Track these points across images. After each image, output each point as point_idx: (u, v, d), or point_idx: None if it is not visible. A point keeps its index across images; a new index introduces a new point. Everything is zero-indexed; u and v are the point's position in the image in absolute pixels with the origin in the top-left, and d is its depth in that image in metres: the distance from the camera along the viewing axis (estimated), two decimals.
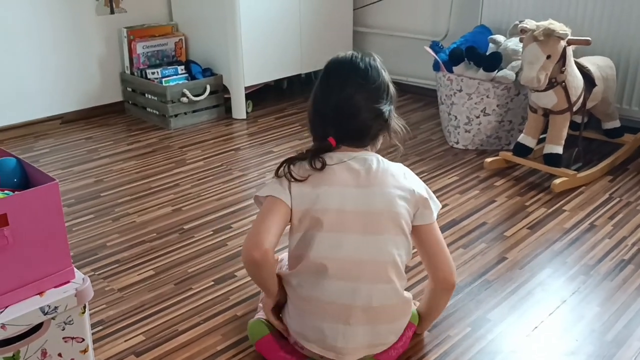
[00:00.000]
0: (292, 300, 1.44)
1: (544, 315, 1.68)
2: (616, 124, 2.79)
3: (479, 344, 1.57)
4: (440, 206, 1.50)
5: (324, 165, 1.39)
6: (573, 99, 2.41)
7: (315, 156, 1.40)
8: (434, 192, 2.41)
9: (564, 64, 2.34)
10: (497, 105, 2.75)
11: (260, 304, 1.60)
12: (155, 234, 2.13)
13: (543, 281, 1.84)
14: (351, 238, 1.37)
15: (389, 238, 1.39)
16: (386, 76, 1.48)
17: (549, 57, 2.29)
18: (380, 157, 1.47)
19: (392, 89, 1.49)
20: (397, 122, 1.49)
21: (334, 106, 1.40)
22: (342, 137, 1.43)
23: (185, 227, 2.17)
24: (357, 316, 1.38)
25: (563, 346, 1.56)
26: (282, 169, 1.42)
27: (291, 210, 1.39)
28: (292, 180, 1.39)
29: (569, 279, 1.85)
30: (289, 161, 1.42)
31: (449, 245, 2.03)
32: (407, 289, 1.62)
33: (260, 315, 1.56)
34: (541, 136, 2.60)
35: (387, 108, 1.45)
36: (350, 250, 1.37)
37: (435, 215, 1.45)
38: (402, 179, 1.44)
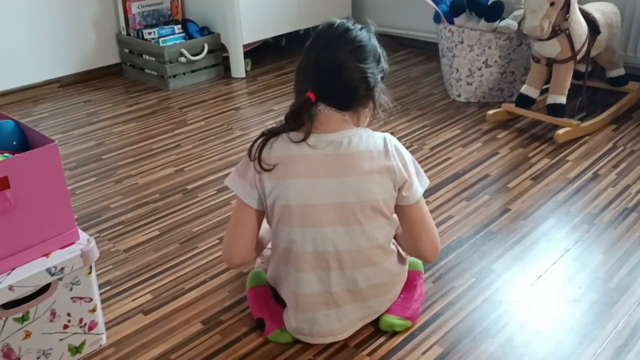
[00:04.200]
0: (284, 294, 1.44)
1: (548, 264, 1.69)
2: (620, 72, 2.74)
3: (484, 294, 1.58)
4: (429, 183, 1.40)
5: (306, 137, 1.29)
6: (577, 47, 2.37)
7: (292, 118, 1.31)
8: (436, 146, 2.41)
9: (567, 11, 2.29)
10: (499, 57, 2.71)
11: (261, 259, 1.62)
12: (158, 195, 2.13)
13: (547, 231, 1.84)
14: (327, 231, 1.31)
15: (369, 225, 1.33)
16: (378, 46, 1.35)
17: (552, 4, 2.24)
18: (362, 134, 1.33)
19: (383, 60, 1.35)
20: (384, 96, 1.36)
21: (315, 61, 1.29)
22: (323, 93, 1.29)
23: (188, 187, 2.17)
24: (345, 298, 1.37)
25: (567, 294, 1.57)
26: (254, 151, 1.32)
27: (262, 204, 1.37)
28: (261, 172, 1.32)
29: (572, 228, 1.85)
30: (266, 138, 1.32)
31: (453, 198, 2.03)
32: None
33: (261, 268, 1.59)
34: (544, 87, 2.56)
35: (372, 72, 1.30)
36: (327, 244, 1.32)
37: (420, 193, 1.36)
38: (382, 159, 1.31)
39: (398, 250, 1.46)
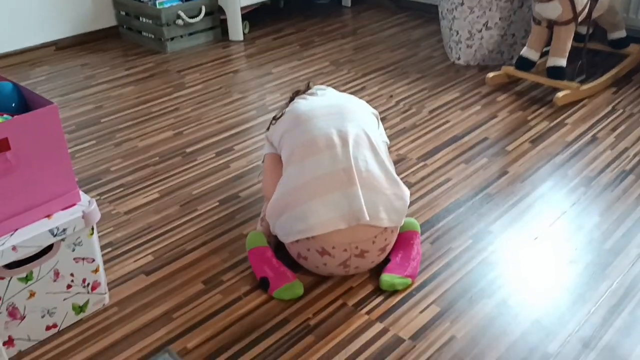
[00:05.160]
0: (294, 200, 1.45)
1: (545, 226, 1.71)
2: (622, 34, 2.72)
3: (481, 255, 1.61)
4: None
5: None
6: (579, 8, 2.35)
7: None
8: (436, 109, 2.41)
9: None
10: (500, 19, 2.68)
11: (261, 222, 1.64)
12: (158, 158, 2.13)
13: (544, 194, 1.86)
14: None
15: (361, 115, 1.58)
16: None
17: None
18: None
19: None
20: None
21: None
22: None
23: (188, 150, 2.18)
24: (355, 179, 1.44)
25: (563, 255, 1.60)
26: None
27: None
28: None
29: (569, 190, 1.87)
30: None
31: (451, 160, 2.04)
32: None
33: (261, 229, 1.61)
34: (545, 49, 2.54)
35: None
36: (323, 127, 1.53)
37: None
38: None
39: None
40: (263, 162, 1.72)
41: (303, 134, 1.52)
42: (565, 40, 2.41)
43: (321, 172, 1.45)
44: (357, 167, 1.46)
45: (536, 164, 2.01)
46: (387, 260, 1.53)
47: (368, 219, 1.42)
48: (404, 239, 1.56)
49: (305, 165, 1.47)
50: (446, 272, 1.55)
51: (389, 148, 1.82)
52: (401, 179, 1.92)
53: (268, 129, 1.71)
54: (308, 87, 1.79)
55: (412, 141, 2.18)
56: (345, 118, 1.55)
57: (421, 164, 2.04)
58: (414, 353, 1.32)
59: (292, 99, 1.76)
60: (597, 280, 1.50)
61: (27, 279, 1.30)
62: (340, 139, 1.49)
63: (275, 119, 1.68)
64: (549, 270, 1.55)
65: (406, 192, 1.51)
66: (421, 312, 1.43)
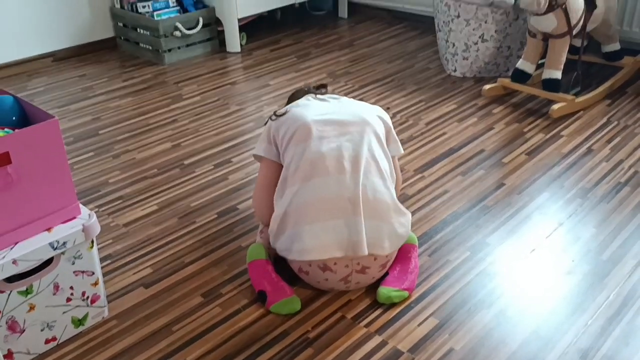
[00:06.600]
0: (295, 219, 1.44)
1: (542, 237, 1.72)
2: (616, 46, 2.75)
3: (478, 266, 1.62)
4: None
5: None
6: (573, 21, 2.38)
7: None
8: (432, 121, 2.42)
9: None
10: (496, 31, 2.71)
11: (260, 234, 1.64)
12: (156, 170, 2.14)
13: (541, 205, 1.87)
14: (332, 140, 1.50)
15: (365, 135, 1.52)
16: None
17: None
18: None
19: None
20: None
21: None
22: None
23: (186, 162, 2.18)
24: (359, 209, 1.41)
25: (560, 266, 1.61)
26: None
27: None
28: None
29: (566, 202, 1.88)
30: None
31: (448, 173, 2.06)
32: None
33: (261, 241, 1.61)
34: (540, 61, 2.57)
35: None
36: (334, 149, 1.48)
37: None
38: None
39: None
40: (254, 157, 1.65)
41: (312, 152, 1.47)
42: (560, 52, 2.43)
43: (327, 196, 1.43)
44: (364, 196, 1.43)
45: (533, 176, 2.03)
46: (385, 273, 1.54)
47: (366, 253, 1.41)
48: (402, 252, 1.57)
49: (311, 186, 1.44)
50: (444, 284, 1.55)
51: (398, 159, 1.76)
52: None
53: (266, 123, 1.64)
54: (319, 88, 1.72)
55: (410, 153, 2.19)
56: (359, 139, 1.50)
57: (419, 175, 2.05)
58: None
59: (298, 96, 1.70)
60: (594, 290, 1.51)
61: (27, 292, 1.30)
62: (352, 164, 1.46)
63: (276, 115, 1.61)
64: (547, 281, 1.56)
65: (409, 218, 1.52)
66: (420, 324, 1.43)
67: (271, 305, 1.47)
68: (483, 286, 1.54)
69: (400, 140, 2.28)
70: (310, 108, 1.59)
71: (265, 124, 1.65)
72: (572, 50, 2.54)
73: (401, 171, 2.06)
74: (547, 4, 2.29)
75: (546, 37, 2.45)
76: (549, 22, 2.38)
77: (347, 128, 1.52)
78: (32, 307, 1.32)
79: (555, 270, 1.59)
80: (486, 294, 1.52)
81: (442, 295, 1.52)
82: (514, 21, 2.70)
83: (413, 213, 1.84)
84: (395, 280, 1.51)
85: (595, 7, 2.44)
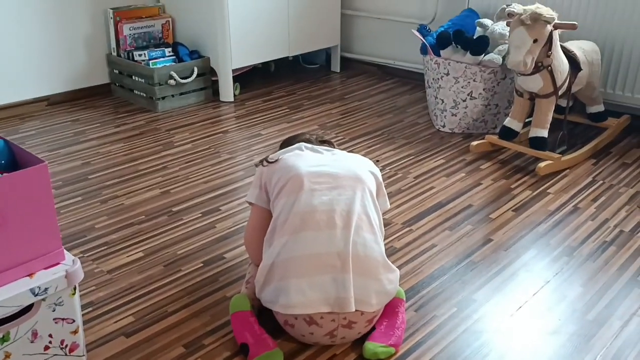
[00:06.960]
0: (282, 272, 1.44)
1: (528, 295, 1.72)
2: (600, 108, 2.82)
3: (465, 323, 1.60)
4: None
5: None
6: (559, 83, 2.44)
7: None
8: (420, 175, 2.45)
9: (550, 48, 2.36)
10: (484, 89, 2.77)
11: (246, 284, 1.62)
12: (143, 216, 2.13)
13: (527, 262, 1.87)
14: (324, 194, 1.50)
15: (358, 191, 1.52)
16: None
17: (535, 41, 2.31)
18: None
19: None
20: None
21: None
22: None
23: (174, 209, 2.18)
24: (348, 266, 1.40)
25: (546, 325, 1.60)
26: None
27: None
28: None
29: (552, 260, 1.89)
30: None
31: (436, 227, 2.06)
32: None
33: (246, 292, 1.59)
34: (527, 120, 2.62)
35: None
36: (325, 202, 1.47)
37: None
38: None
39: None
40: (247, 202, 1.67)
41: (302, 204, 1.47)
42: (547, 112, 2.49)
43: (315, 251, 1.42)
44: (355, 252, 1.43)
45: (519, 233, 2.04)
46: (372, 328, 1.52)
47: (354, 309, 1.40)
48: (389, 306, 1.56)
49: (300, 239, 1.44)
50: (430, 341, 1.54)
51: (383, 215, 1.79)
52: (386, 244, 1.93)
53: (257, 165, 1.65)
54: (323, 143, 1.73)
55: (398, 206, 2.20)
56: (352, 195, 1.50)
57: (406, 229, 2.05)
58: None
59: (292, 142, 1.70)
60: (580, 352, 1.50)
61: (3, 339, 1.27)
62: (343, 219, 1.45)
63: (268, 161, 1.61)
64: (533, 340, 1.54)
65: (397, 275, 1.52)
66: None
67: (253, 358, 1.44)
68: (469, 344, 1.53)
69: (389, 193, 2.29)
70: (303, 158, 1.59)
71: (257, 167, 1.66)
72: (558, 110, 2.60)
73: (389, 224, 2.07)
74: (533, 65, 2.36)
75: (533, 97, 2.51)
76: (536, 83, 2.44)
77: (340, 182, 1.52)
78: (7, 356, 1.28)
79: (542, 330, 1.58)
80: (472, 352, 1.50)
81: (428, 352, 1.50)
82: (502, 80, 2.77)
83: (401, 266, 1.84)
84: (382, 335, 1.49)
85: (579, 69, 2.52)
